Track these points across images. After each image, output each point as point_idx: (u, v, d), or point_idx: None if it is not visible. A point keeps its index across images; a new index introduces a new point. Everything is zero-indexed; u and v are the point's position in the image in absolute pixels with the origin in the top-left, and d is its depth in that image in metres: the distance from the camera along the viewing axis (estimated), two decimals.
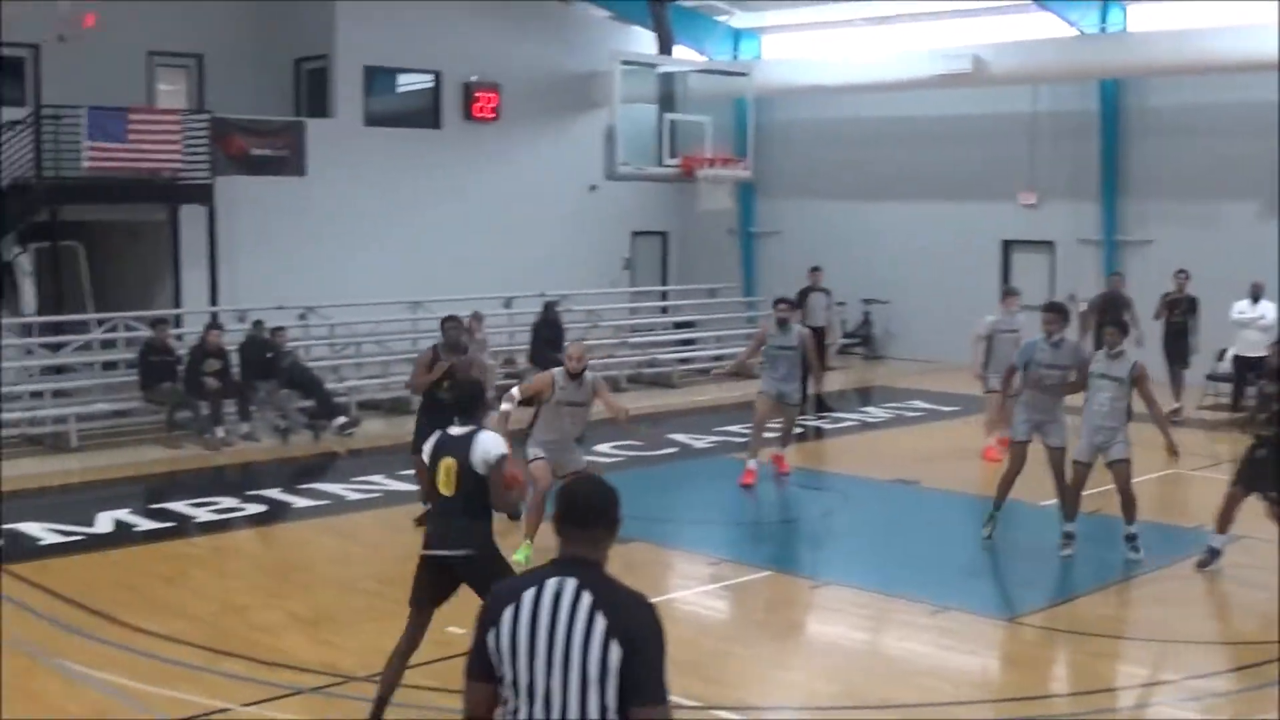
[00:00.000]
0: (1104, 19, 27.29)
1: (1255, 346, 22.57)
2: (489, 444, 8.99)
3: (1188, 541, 14.18)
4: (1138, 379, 13.43)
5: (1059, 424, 14.03)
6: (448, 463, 8.99)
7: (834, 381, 25.73)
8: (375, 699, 8.89)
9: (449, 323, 15.16)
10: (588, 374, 13.65)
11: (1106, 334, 13.87)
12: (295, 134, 24.88)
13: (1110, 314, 22.29)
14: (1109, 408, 13.39)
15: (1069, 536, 13.72)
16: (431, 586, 9.09)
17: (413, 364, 16.17)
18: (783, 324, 17.41)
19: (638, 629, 4.82)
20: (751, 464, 17.28)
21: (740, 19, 31.90)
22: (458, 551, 8.94)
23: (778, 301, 17.91)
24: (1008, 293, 20.25)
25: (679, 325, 30.82)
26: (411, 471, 13.54)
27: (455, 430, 9.16)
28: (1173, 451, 13.40)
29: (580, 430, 14.02)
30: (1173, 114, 27.60)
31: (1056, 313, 14.38)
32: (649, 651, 4.80)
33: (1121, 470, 13.40)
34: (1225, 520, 13.23)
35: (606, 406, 13.92)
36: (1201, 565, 13.24)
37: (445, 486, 9.00)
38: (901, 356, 30.60)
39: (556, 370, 13.72)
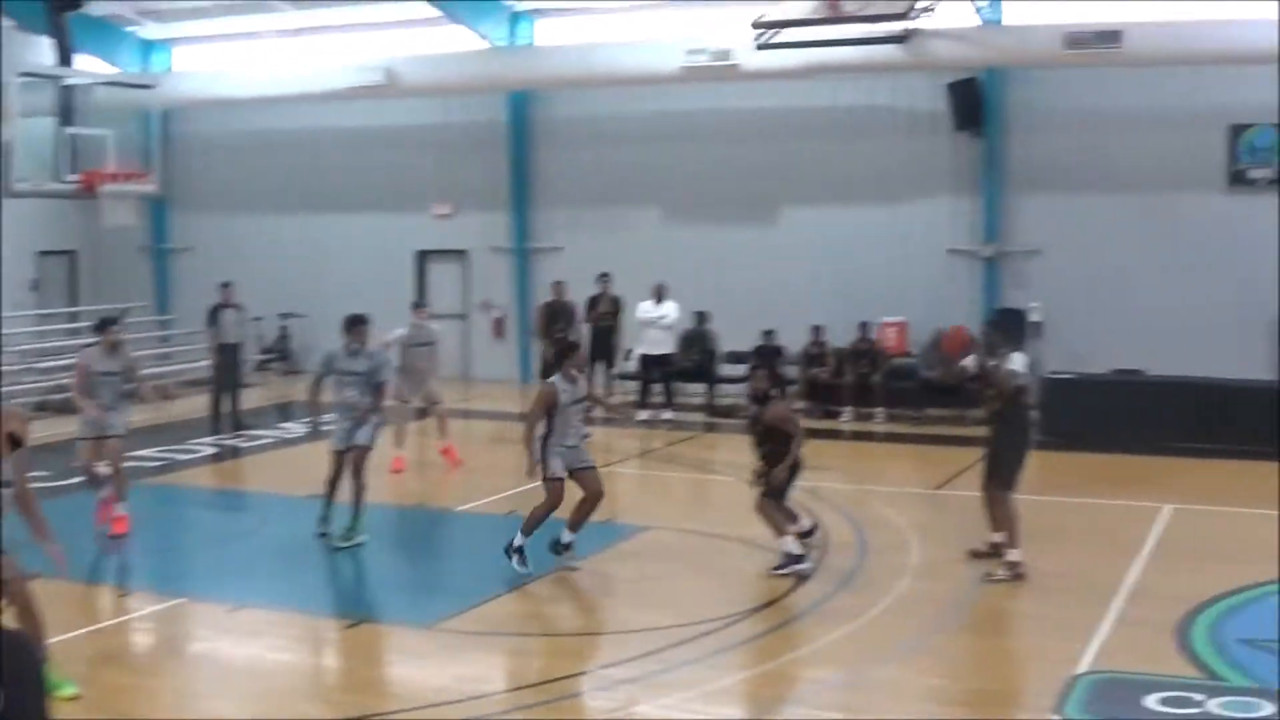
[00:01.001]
0: (513, 32, 27.89)
1: (659, 345, 23.65)
2: None
3: (597, 537, 14.61)
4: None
5: (369, 425, 14.80)
6: None
7: (251, 398, 25.26)
8: None
9: None
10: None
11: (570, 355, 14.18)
12: None
13: (556, 322, 22.96)
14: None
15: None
16: None
17: None
18: (114, 348, 15.47)
19: (14, 671, 4.53)
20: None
21: (151, 30, 30.69)
22: None
23: (103, 324, 15.82)
24: (417, 305, 20.51)
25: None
26: None
27: None
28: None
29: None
30: (579, 124, 28.54)
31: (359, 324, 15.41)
32: (25, 692, 4.52)
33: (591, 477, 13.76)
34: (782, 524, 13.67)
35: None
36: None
37: None
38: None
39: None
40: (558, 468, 13.41)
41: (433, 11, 26.60)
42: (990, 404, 13.64)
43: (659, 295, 23.68)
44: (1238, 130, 24.32)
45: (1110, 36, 22.34)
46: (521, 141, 28.96)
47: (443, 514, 16.10)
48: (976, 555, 13.65)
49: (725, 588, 12.99)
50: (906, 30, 22.40)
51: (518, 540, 13.38)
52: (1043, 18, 23.94)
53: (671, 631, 11.32)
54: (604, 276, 24.63)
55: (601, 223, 28.46)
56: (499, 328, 29.54)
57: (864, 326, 24.73)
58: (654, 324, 23.82)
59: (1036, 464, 14.43)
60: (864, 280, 26.31)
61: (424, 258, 30.35)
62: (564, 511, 13.55)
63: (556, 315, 23.73)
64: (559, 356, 14.10)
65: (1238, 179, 24.41)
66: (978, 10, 24.06)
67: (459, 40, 27.62)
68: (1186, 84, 24.40)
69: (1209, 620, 11.59)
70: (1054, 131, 25.30)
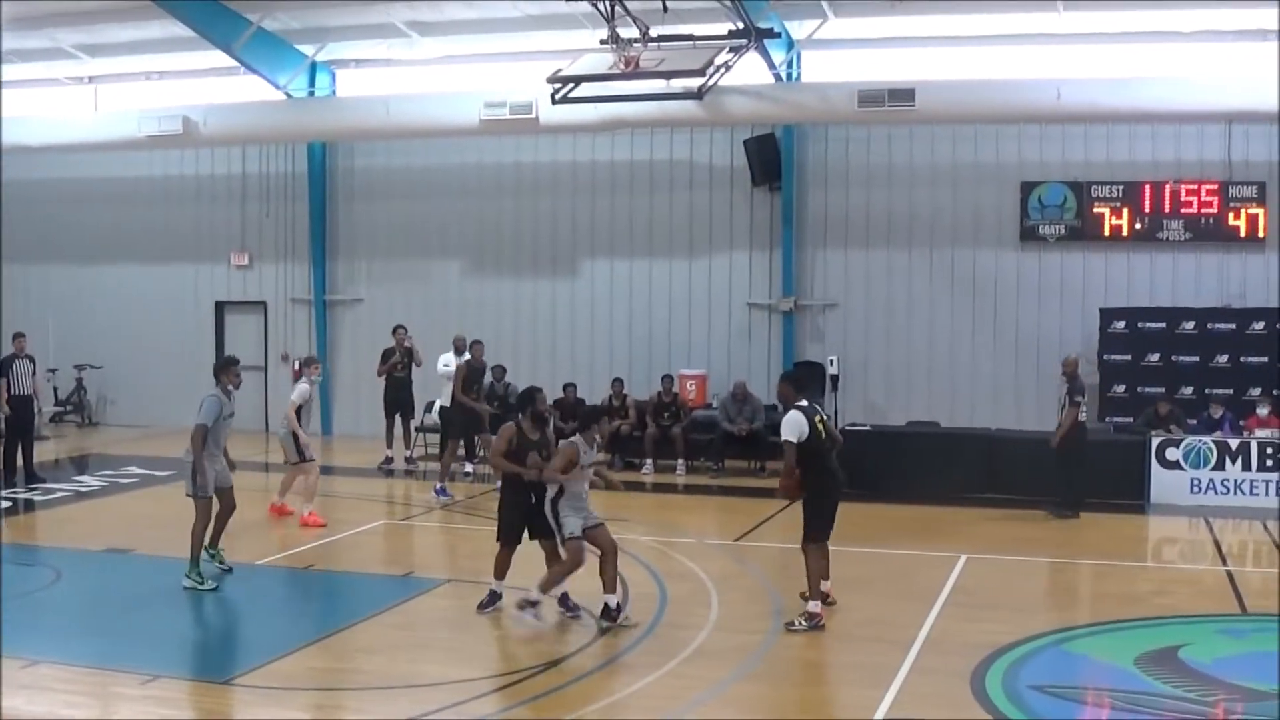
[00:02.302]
0: (312, 82, 27.67)
1: None
2: None
3: (397, 590, 14.47)
4: None
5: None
6: None
7: (47, 451, 24.62)
8: None
9: None
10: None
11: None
12: None
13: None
14: None
15: None
16: None
17: None
18: None
19: None
20: None
21: None
22: None
23: None
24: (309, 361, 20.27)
25: None
26: None
27: None
28: None
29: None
30: (380, 176, 28.45)
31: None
32: None
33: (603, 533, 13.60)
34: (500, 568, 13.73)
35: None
36: (482, 607, 13.72)
37: None
38: (118, 422, 29.78)
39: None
40: (575, 527, 13.26)
41: (231, 61, 26.24)
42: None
43: (459, 348, 23.52)
44: (1028, 187, 25.01)
45: (904, 95, 22.84)
46: (321, 192, 28.75)
47: (243, 568, 15.77)
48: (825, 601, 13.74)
49: (526, 640, 12.92)
50: (703, 87, 22.65)
51: (534, 595, 13.35)
52: (839, 75, 24.43)
53: (471, 685, 11.23)
54: (399, 329, 24.44)
55: (402, 274, 28.36)
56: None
57: (666, 379, 24.84)
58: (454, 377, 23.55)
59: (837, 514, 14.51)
60: (664, 333, 26.59)
61: (221, 308, 29.89)
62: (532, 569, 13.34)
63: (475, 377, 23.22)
64: (585, 421, 13.98)
65: (1029, 235, 25.08)
66: (774, 68, 24.42)
67: (258, 90, 27.31)
68: (979, 142, 25.12)
69: (1002, 667, 11.80)
70: (851, 187, 25.84)
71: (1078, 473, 19.95)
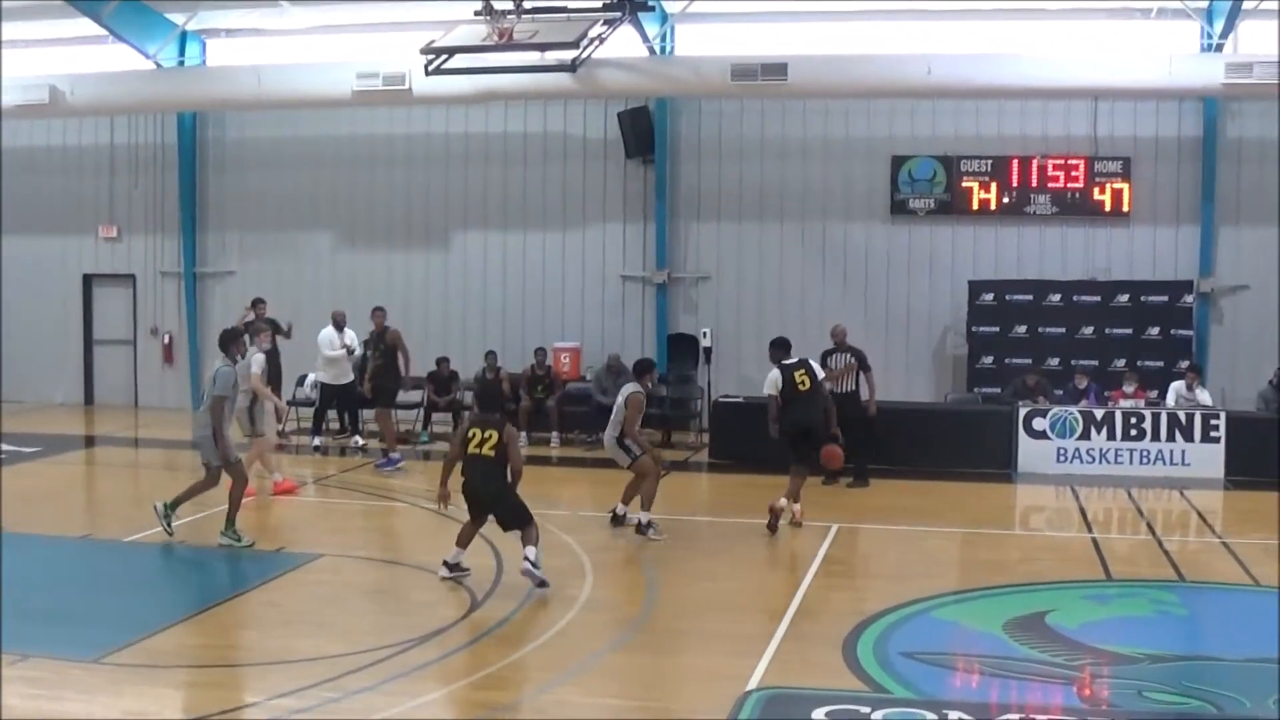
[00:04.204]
0: (182, 52, 27.29)
1: (343, 374, 23.17)
2: None
3: (269, 565, 14.41)
4: None
5: None
6: None
7: None
8: None
9: None
10: None
11: None
12: None
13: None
14: None
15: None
16: None
17: None
18: None
19: None
20: None
21: None
22: None
23: None
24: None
25: None
26: None
27: None
28: None
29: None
30: (251, 147, 28.18)
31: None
32: None
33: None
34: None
35: None
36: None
37: None
38: None
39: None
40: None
41: (99, 30, 25.80)
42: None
43: (338, 323, 23.24)
44: (898, 161, 25.28)
45: (776, 69, 22.97)
46: (191, 163, 28.39)
47: (110, 545, 15.61)
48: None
49: (400, 614, 12.90)
50: (577, 59, 22.65)
51: (644, 518, 16.23)
52: (713, 49, 24.53)
53: (346, 659, 11.18)
54: (259, 302, 23.92)
55: (273, 247, 28.10)
56: (169, 354, 28.84)
57: (539, 352, 24.85)
58: (337, 352, 23.16)
59: (709, 485, 14.73)
60: (538, 305, 26.62)
61: (90, 281, 29.44)
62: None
63: (376, 343, 22.73)
64: (639, 371, 16.73)
65: (899, 208, 25.37)
66: (648, 41, 24.48)
67: (127, 60, 26.88)
68: (850, 116, 25.36)
69: (874, 635, 11.96)
70: (724, 160, 25.97)
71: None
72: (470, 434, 13.57)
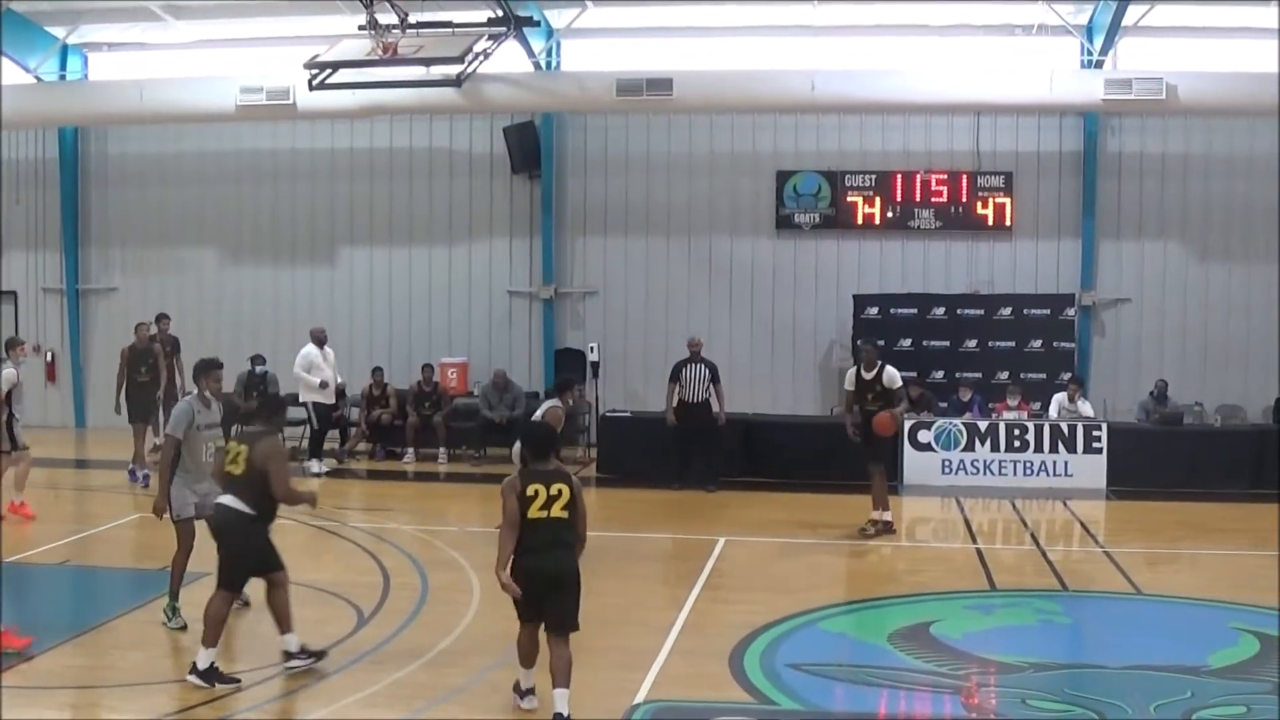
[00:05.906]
0: (64, 66, 26.98)
1: (330, 395, 23.08)
2: None
3: (151, 585, 14.26)
4: None
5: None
6: None
7: None
8: None
9: None
10: None
11: None
12: None
13: (140, 365, 21.67)
14: None
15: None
16: None
17: None
18: None
19: None
20: None
21: None
22: None
23: None
24: (12, 343, 19.01)
25: None
26: None
27: None
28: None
29: None
30: (134, 162, 27.88)
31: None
32: None
33: None
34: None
35: None
36: None
37: None
38: None
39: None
40: None
41: None
42: None
43: (320, 340, 23.06)
44: (783, 176, 25.49)
45: (661, 84, 23.13)
46: (73, 179, 28.06)
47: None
48: None
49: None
50: (462, 74, 22.65)
51: None
52: (598, 64, 24.62)
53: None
54: (162, 318, 23.54)
55: (158, 263, 27.86)
56: (52, 371, 28.47)
57: (426, 368, 24.78)
58: (325, 374, 22.96)
59: (597, 500, 14.74)
60: (425, 321, 26.57)
61: None
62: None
63: (140, 358, 22.34)
64: (559, 388, 16.18)
65: (784, 223, 25.59)
66: (533, 57, 24.52)
67: (7, 73, 26.44)
68: (736, 131, 25.54)
69: (760, 647, 12.07)
70: (610, 175, 26.08)
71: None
72: (531, 491, 10.52)
